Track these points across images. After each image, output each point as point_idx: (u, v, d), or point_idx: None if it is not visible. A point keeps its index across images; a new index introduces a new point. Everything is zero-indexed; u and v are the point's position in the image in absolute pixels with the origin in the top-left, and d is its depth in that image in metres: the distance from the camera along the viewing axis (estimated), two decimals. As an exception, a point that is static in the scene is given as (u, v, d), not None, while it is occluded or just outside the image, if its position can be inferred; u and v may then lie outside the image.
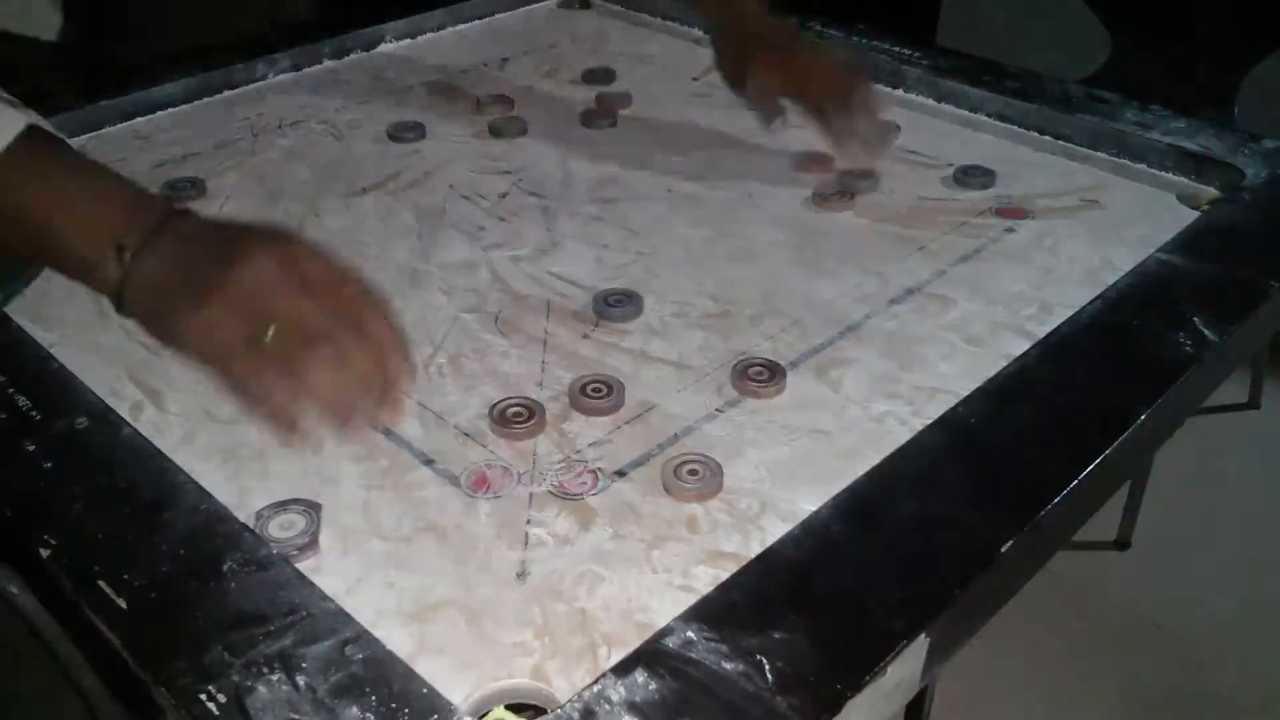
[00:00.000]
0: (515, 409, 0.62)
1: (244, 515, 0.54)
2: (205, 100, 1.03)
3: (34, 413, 0.59)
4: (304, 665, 0.45)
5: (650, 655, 0.45)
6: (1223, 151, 0.89)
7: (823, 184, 0.88)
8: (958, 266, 0.78)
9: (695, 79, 1.09)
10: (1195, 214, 0.84)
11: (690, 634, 0.46)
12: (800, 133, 0.97)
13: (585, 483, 0.58)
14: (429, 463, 0.60)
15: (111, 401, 0.62)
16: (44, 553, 0.50)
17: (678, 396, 0.65)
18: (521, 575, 0.53)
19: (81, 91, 1.00)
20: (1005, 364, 0.65)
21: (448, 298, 0.75)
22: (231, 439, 0.61)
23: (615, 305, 0.71)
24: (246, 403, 0.49)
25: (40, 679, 0.60)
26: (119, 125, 0.98)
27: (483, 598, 0.51)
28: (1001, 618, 0.56)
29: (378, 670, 0.45)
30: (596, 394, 0.64)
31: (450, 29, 1.22)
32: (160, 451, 0.57)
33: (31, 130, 0.51)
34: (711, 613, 0.48)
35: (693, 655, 0.45)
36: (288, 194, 0.87)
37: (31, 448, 0.57)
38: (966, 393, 0.63)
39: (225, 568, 0.50)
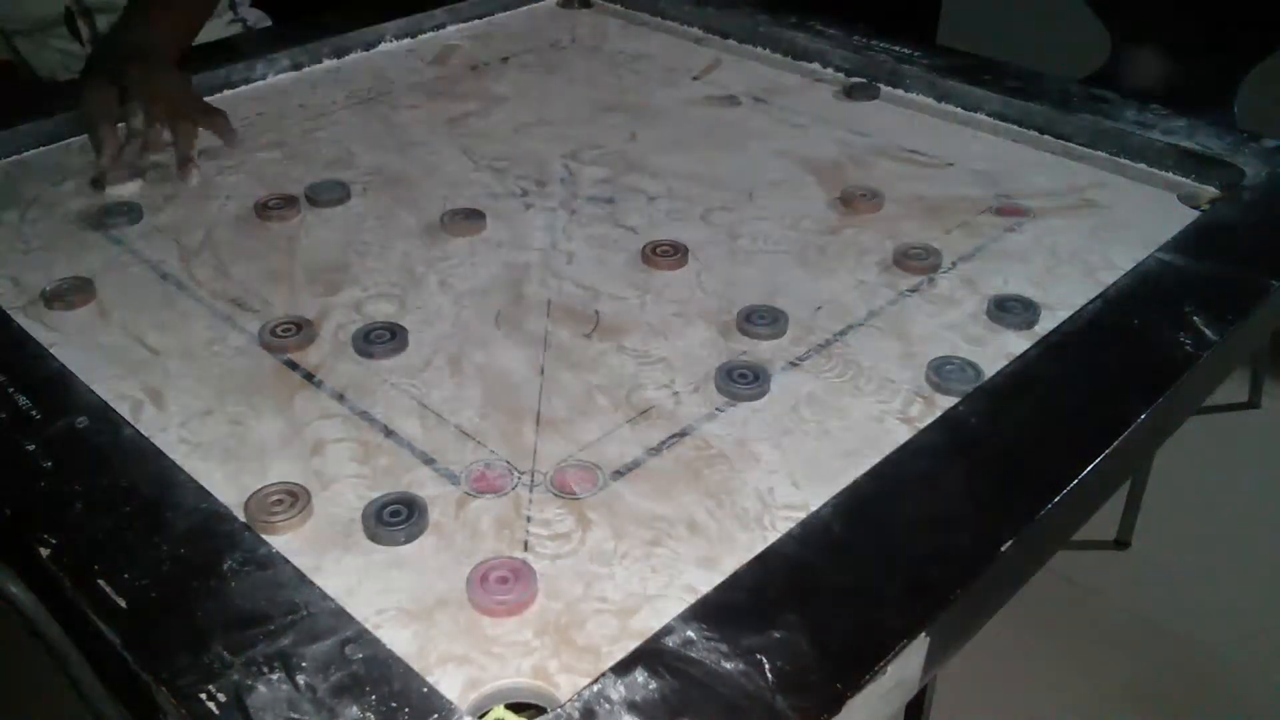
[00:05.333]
0: None
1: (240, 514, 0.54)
2: (205, 100, 1.03)
3: (34, 413, 0.59)
4: (304, 665, 0.45)
5: (650, 655, 0.45)
6: (1223, 151, 0.88)
7: None
8: (958, 266, 0.78)
9: (695, 78, 1.09)
10: (1195, 213, 0.84)
11: (690, 633, 0.46)
12: (801, 135, 0.98)
13: (585, 483, 0.58)
14: (429, 462, 0.60)
15: (111, 401, 0.62)
16: (44, 552, 0.51)
17: (678, 396, 0.65)
18: (521, 575, 0.53)
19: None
20: (1005, 364, 0.66)
21: (448, 297, 0.75)
22: (231, 439, 0.61)
23: (377, 342, 0.68)
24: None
25: (40, 679, 0.60)
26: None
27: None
28: (1001, 618, 0.56)
29: (378, 670, 0.45)
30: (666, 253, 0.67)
31: (450, 28, 1.22)
32: (160, 451, 0.57)
33: None
34: (711, 612, 0.48)
35: (693, 655, 0.45)
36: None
37: (31, 448, 0.57)
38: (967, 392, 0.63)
39: (225, 567, 0.50)
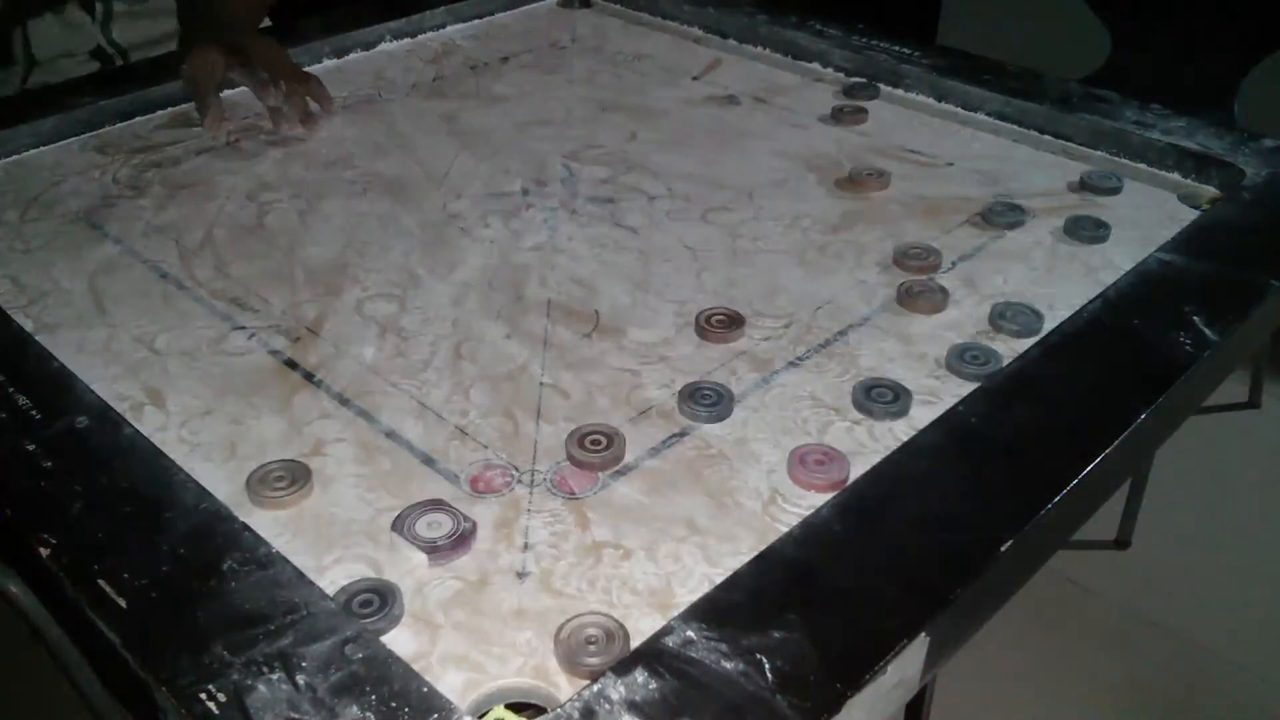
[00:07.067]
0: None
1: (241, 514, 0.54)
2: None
3: (34, 413, 0.59)
4: (304, 665, 0.45)
5: (650, 654, 0.45)
6: (1223, 150, 0.88)
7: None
8: (958, 266, 0.78)
9: (695, 78, 1.09)
10: (1195, 213, 0.84)
11: (690, 633, 0.46)
12: (801, 135, 0.98)
13: (585, 482, 0.58)
14: (429, 462, 0.60)
15: (111, 401, 0.62)
16: (44, 552, 0.50)
17: (678, 396, 0.65)
18: (521, 575, 0.53)
19: (84, 90, 1.00)
20: (1005, 363, 0.65)
21: (448, 297, 0.75)
22: (232, 438, 0.61)
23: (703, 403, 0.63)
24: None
25: (40, 679, 0.60)
26: (119, 125, 0.98)
27: (483, 597, 0.51)
28: (1001, 618, 0.56)
29: (378, 670, 0.45)
30: (595, 446, 0.60)
31: (450, 28, 1.22)
32: (160, 451, 0.57)
33: None
34: (711, 612, 0.48)
35: (693, 654, 0.45)
36: (288, 193, 0.87)
37: (31, 448, 0.57)
38: (966, 392, 0.63)
39: (225, 567, 0.50)
